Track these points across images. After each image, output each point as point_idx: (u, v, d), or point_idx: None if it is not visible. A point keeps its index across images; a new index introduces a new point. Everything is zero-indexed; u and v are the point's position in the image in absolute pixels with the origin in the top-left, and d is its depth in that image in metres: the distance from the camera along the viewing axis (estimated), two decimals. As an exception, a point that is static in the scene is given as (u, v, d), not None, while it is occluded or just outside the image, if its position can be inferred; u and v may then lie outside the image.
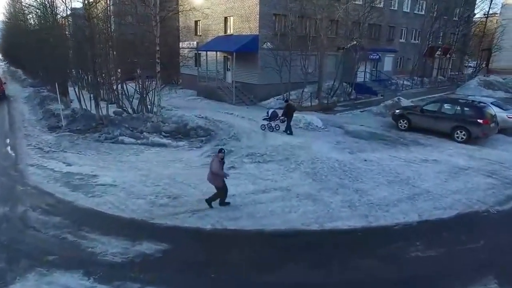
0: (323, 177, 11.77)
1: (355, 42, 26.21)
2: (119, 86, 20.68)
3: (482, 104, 17.06)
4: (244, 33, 25.82)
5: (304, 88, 24.75)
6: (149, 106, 19.48)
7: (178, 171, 12.03)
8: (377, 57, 30.89)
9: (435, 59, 39.78)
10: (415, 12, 37.10)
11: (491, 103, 18.33)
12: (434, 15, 35.55)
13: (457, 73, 43.22)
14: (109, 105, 19.74)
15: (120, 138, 15.05)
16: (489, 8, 50.42)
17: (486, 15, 46.27)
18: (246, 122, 18.66)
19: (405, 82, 33.70)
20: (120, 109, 18.85)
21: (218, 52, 27.63)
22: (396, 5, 34.58)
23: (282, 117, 17.10)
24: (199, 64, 29.69)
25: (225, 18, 27.84)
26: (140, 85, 19.10)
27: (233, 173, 11.79)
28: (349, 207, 9.77)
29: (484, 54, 47.58)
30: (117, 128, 15.95)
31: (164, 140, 15.13)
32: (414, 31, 37.86)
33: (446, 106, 17.07)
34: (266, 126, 17.59)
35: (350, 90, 27.95)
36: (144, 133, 15.69)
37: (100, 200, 9.92)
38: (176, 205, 9.63)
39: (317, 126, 18.25)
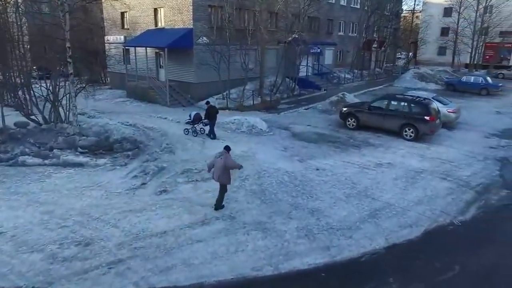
0: (273, 196, 10.09)
1: (296, 35, 24.93)
2: (25, 88, 17.13)
3: (427, 100, 16.73)
4: (177, 27, 23.37)
5: (245, 86, 22.96)
6: (67, 113, 16.42)
7: (95, 202, 9.55)
8: (318, 50, 30.05)
9: (372, 52, 40.30)
10: (351, 5, 37.16)
11: (433, 97, 18.23)
12: (369, 9, 35.85)
13: (391, 64, 44.52)
14: (14, 113, 16.38)
15: (21, 158, 11.99)
16: (414, 5, 53.85)
17: (411, 11, 49.13)
18: (181, 128, 16.37)
19: (346, 75, 33.41)
20: (25, 119, 15.54)
21: (148, 48, 24.79)
22: (334, -2, 34.17)
23: (205, 120, 15.55)
24: (128, 61, 26.62)
25: (155, 10, 25.11)
26: (51, 89, 15.94)
27: (165, 199, 9.74)
28: (306, 236, 8.18)
29: (412, 47, 50.29)
30: (18, 145, 12.84)
31: (80, 158, 12.41)
32: (351, 24, 37.96)
33: (393, 103, 16.47)
34: (189, 130, 15.86)
35: (293, 86, 26.69)
36: (55, 150, 12.81)
37: (-30, 261, 7.09)
38: (87, 256, 7.27)
39: (261, 129, 16.58)
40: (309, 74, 29.90)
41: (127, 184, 10.68)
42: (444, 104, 18.10)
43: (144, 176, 11.21)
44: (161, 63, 25.50)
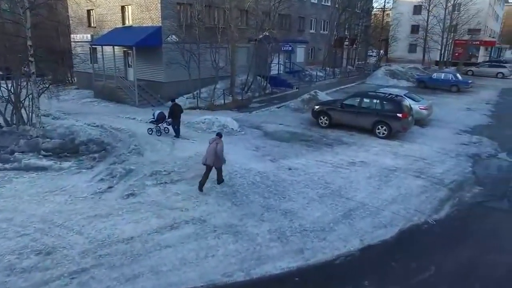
0: (244, 197, 9.85)
1: (267, 33, 24.77)
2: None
3: (399, 97, 16.84)
4: (145, 25, 22.74)
5: (216, 84, 22.59)
6: (30, 114, 15.60)
7: (58, 208, 9.03)
8: (290, 48, 29.98)
9: (344, 49, 40.71)
10: (322, 3, 37.36)
11: (405, 94, 18.39)
12: (340, 6, 36.18)
13: (363, 62, 45.16)
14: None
15: (-22, 164, 11.31)
16: (385, 2, 55.04)
17: (382, 9, 50.11)
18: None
19: (319, 73, 33.58)
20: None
21: (116, 47, 23.97)
22: (304, -5, 34.24)
23: (169, 120, 15.26)
24: (95, 60, 25.68)
25: (122, 7, 24.35)
26: (13, 89, 15.09)
27: (132, 203, 9.33)
28: (279, 239, 7.99)
29: (383, 44, 51.29)
30: (-25, 150, 12.12)
31: (44, 162, 11.75)
32: (323, 22, 38.17)
33: (365, 100, 16.44)
34: (153, 129, 15.54)
35: (264, 84, 26.52)
36: (16, 153, 12.10)
37: None
38: (48, 266, 6.82)
39: (232, 129, 16.29)
40: (281, 72, 29.88)
41: (93, 188, 10.18)
42: (416, 101, 18.31)
43: (111, 179, 10.73)
44: (130, 62, 24.76)
